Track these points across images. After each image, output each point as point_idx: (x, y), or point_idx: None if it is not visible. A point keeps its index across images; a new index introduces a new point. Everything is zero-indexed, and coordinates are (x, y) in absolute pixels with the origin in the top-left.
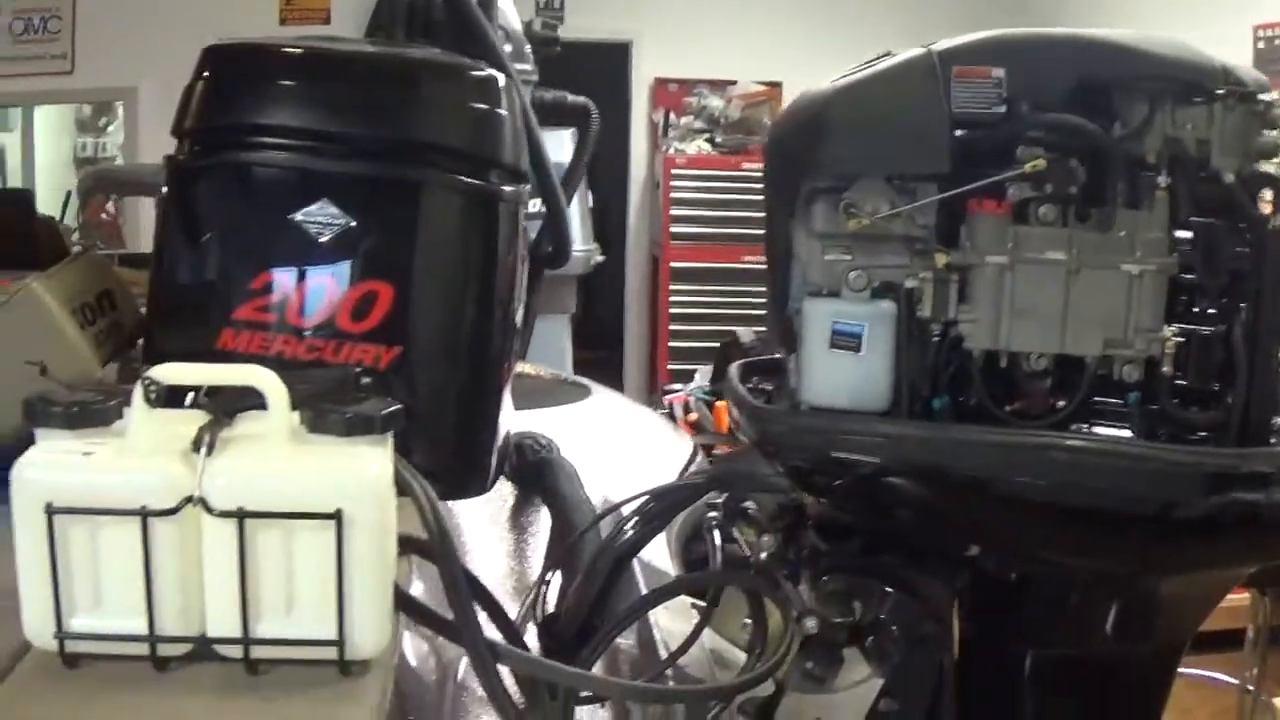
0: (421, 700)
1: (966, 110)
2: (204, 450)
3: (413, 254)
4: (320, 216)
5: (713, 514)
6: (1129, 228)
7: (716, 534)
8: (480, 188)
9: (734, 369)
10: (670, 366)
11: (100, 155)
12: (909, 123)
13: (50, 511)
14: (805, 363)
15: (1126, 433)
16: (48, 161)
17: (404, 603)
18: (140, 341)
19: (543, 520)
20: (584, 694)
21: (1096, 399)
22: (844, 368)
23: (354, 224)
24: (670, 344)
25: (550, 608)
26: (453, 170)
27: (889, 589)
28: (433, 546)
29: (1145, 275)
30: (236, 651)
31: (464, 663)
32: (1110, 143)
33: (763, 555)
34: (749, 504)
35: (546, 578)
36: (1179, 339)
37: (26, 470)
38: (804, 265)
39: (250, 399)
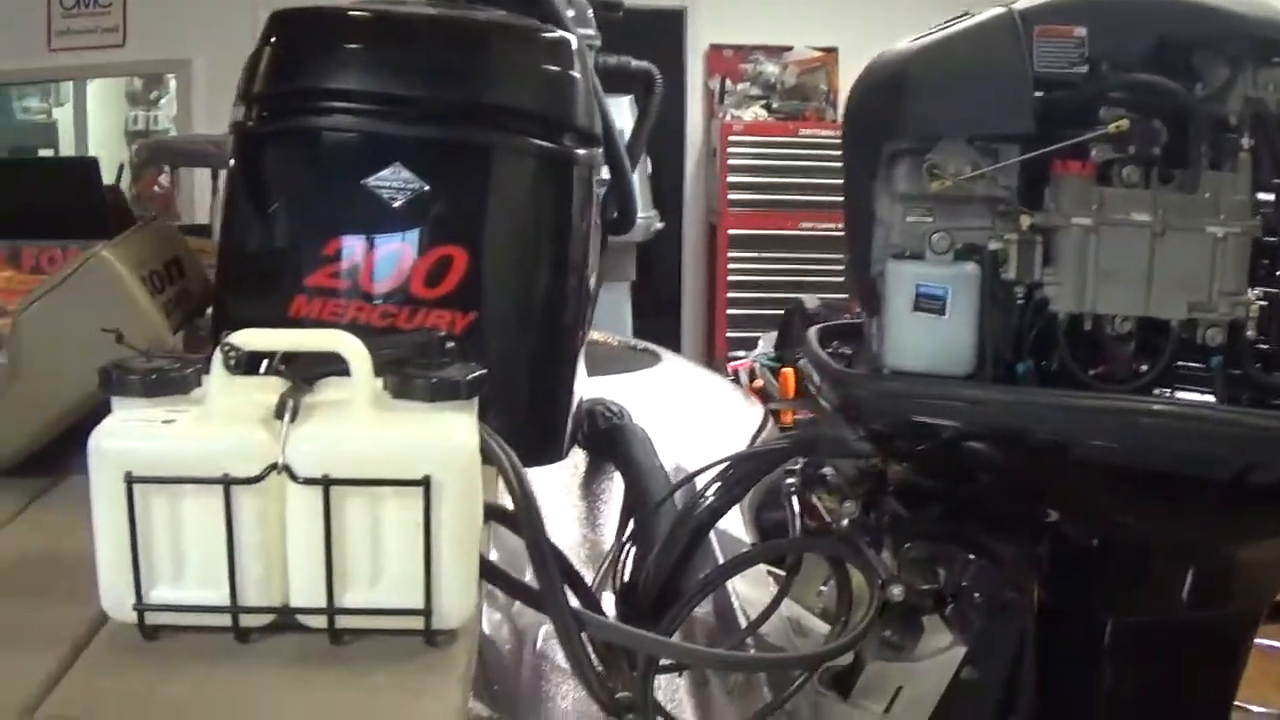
0: (501, 669)
1: (1049, 70)
2: (287, 417)
3: (486, 218)
4: (393, 181)
5: (790, 480)
6: (1213, 190)
7: (795, 500)
8: (553, 150)
9: (813, 333)
10: (728, 334)
11: (152, 128)
12: (991, 82)
13: (130, 481)
14: (888, 326)
15: (1209, 397)
16: (100, 135)
17: (487, 570)
18: (209, 310)
19: (615, 488)
20: (663, 663)
21: (1179, 363)
22: (927, 331)
23: (426, 188)
24: (728, 311)
25: (625, 576)
26: (525, 133)
27: (971, 556)
28: (518, 515)
29: (1229, 238)
30: (320, 621)
31: (542, 631)
32: (1193, 103)
33: (844, 522)
34: (827, 470)
35: (622, 545)
36: (1262, 303)
37: (105, 439)
38: (886, 227)
39: (328, 365)
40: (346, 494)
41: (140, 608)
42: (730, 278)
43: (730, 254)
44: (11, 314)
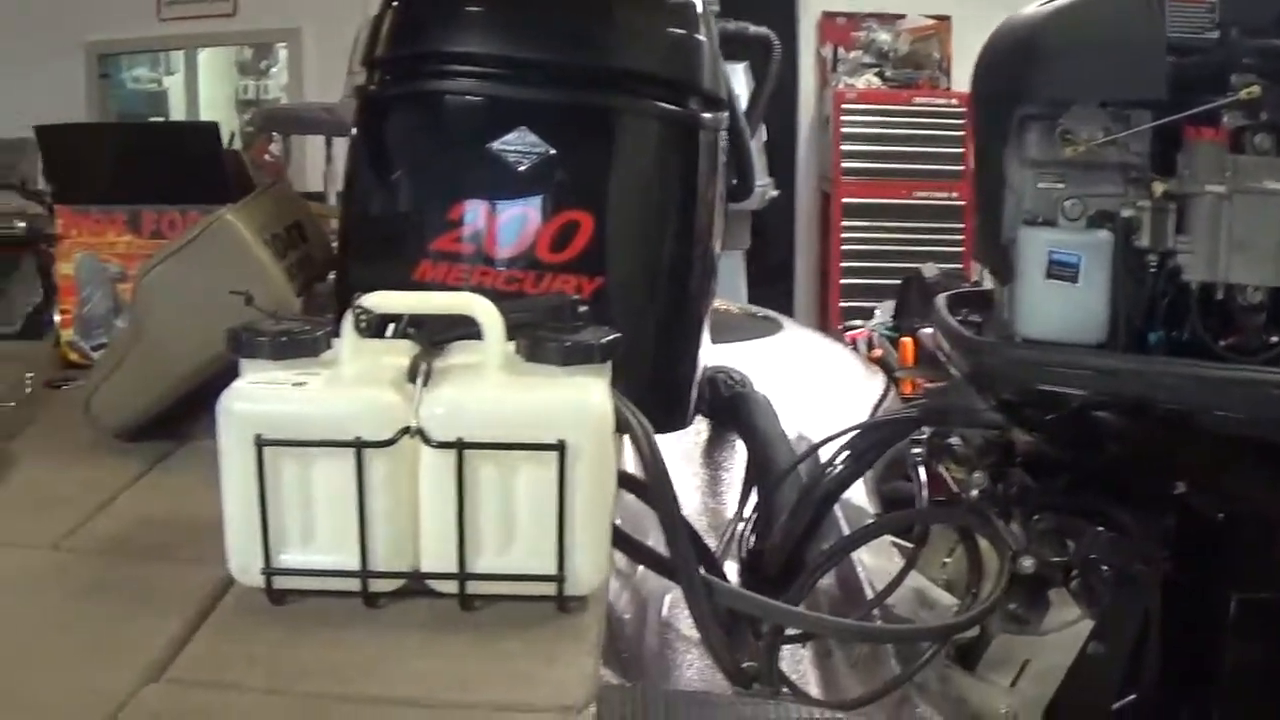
0: (625, 636)
1: (1180, 35)
2: (420, 380)
3: (612, 183)
4: (518, 145)
5: (916, 450)
6: None
7: (921, 470)
8: (679, 114)
9: (941, 301)
10: (842, 304)
11: (261, 97)
12: (1125, 47)
13: (260, 444)
14: (1020, 293)
15: None
16: (210, 104)
17: (617, 537)
18: (330, 275)
19: (737, 456)
20: (788, 633)
21: None
22: (1060, 298)
23: (552, 152)
24: (842, 281)
25: (749, 545)
26: (651, 97)
27: (1099, 528)
28: (650, 483)
29: None
30: (451, 587)
31: (667, 599)
32: None
33: (974, 493)
34: (953, 440)
35: (744, 514)
36: None
37: (235, 402)
38: (1017, 194)
39: (457, 329)
40: (479, 458)
41: (268, 572)
42: (844, 246)
43: (844, 223)
44: (132, 278)
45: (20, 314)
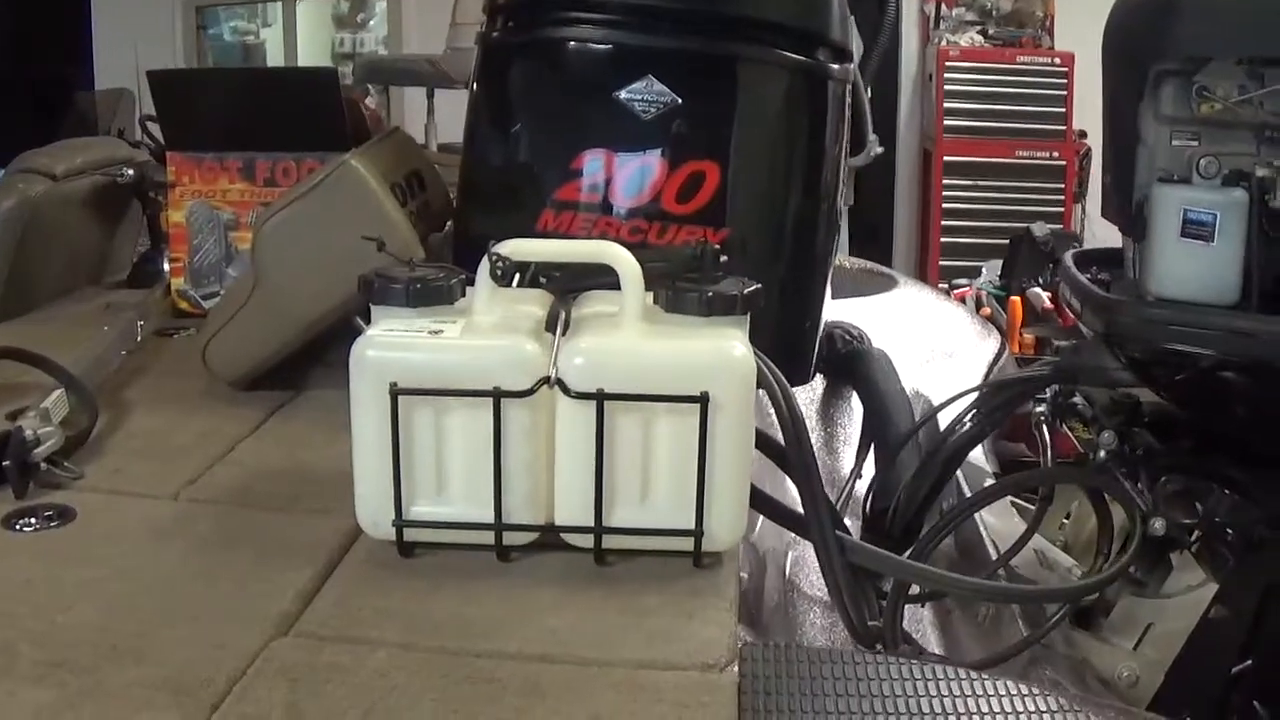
0: (748, 594)
1: None
2: (559, 329)
3: (740, 134)
4: (645, 94)
5: (1040, 409)
6: None
7: (1045, 430)
8: (809, 65)
9: (1069, 259)
10: (941, 262)
11: (358, 50)
12: (1262, 3)
13: (395, 393)
14: (1152, 252)
15: None
16: (307, 56)
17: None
18: (448, 224)
19: (853, 413)
20: (912, 592)
21: None
22: (1193, 258)
23: (679, 101)
24: (942, 239)
25: (868, 504)
26: (780, 46)
27: (1225, 491)
28: (787, 440)
29: None
30: (586, 541)
31: (790, 557)
32: None
33: (1102, 453)
34: (1077, 399)
35: (861, 472)
36: None
37: (369, 349)
38: (1150, 151)
39: (590, 278)
40: (619, 410)
41: (400, 523)
42: (945, 205)
43: (945, 181)
44: (245, 226)
45: (128, 262)
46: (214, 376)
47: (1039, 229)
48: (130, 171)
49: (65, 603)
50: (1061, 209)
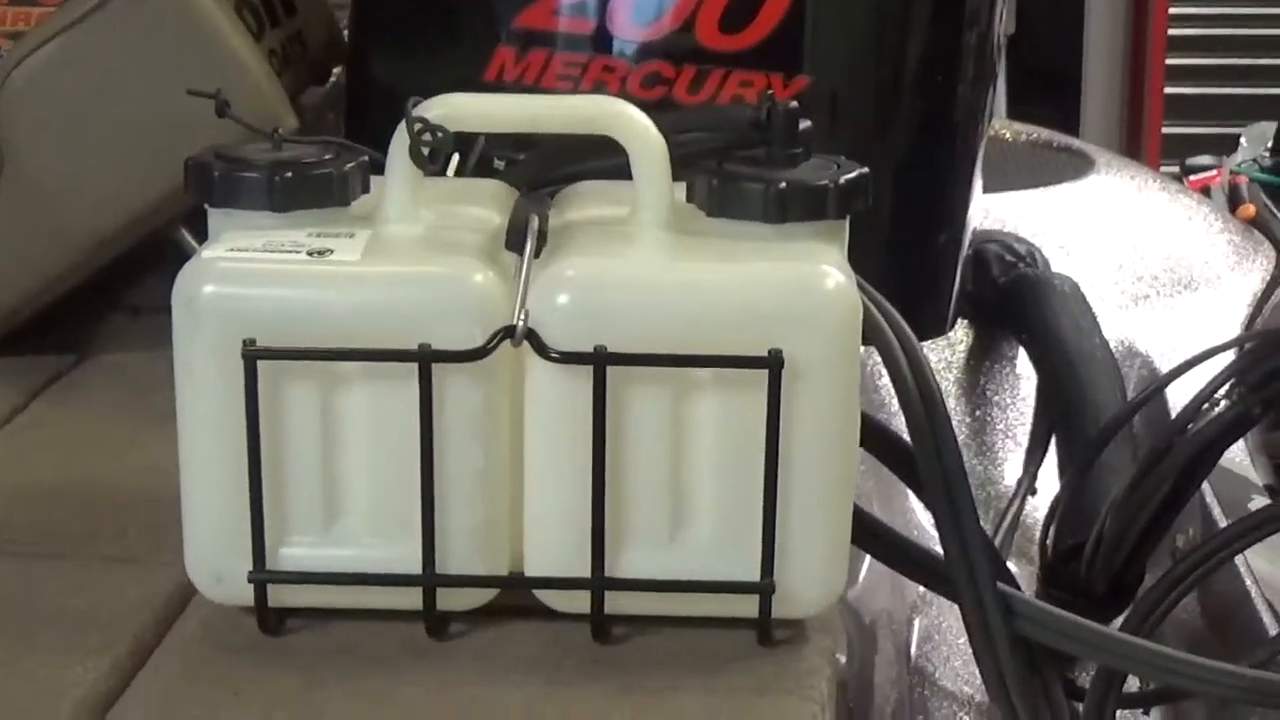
0: (855, 690)
1: None
2: (529, 248)
3: None
4: None
5: None
6: None
7: None
8: None
9: None
10: (1164, 129)
11: None
12: None
13: (251, 355)
14: None
15: None
16: None
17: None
18: (337, 71)
19: (1019, 384)
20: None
21: None
22: None
23: None
24: (1166, 90)
25: (1051, 536)
26: None
27: None
28: (914, 434)
29: None
30: (579, 602)
31: (917, 629)
32: None
33: None
34: None
35: (1036, 486)
36: None
37: (206, 284)
38: None
39: (578, 163)
40: (630, 380)
41: (260, 578)
42: (1172, 30)
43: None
44: None
45: None
46: None
47: None
48: None
49: None
50: None
